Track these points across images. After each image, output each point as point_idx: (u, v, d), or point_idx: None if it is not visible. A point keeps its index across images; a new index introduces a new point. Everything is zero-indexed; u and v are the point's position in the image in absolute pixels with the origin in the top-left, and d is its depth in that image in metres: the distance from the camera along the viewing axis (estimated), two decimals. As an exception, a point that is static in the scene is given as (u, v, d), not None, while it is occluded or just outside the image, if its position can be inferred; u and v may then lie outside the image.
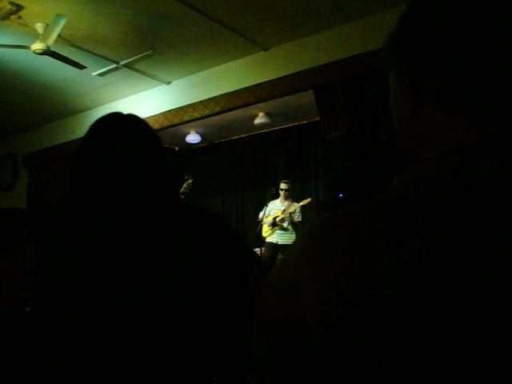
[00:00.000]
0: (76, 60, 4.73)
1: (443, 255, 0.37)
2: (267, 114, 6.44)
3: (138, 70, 5.61)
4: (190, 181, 6.41)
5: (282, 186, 6.33)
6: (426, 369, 0.36)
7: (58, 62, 4.65)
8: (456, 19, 0.48)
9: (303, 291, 0.40)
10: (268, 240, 6.26)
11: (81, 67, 4.86)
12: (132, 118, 1.24)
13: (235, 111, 5.72)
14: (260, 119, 6.47)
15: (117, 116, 1.24)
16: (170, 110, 6.06)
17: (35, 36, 4.24)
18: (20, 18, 4.14)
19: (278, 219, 6.20)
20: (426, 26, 0.51)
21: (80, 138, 1.23)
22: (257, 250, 6.19)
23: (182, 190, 6.35)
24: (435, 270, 0.37)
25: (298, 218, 6.20)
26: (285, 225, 6.18)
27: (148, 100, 6.32)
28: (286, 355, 0.41)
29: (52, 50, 4.27)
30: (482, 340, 0.35)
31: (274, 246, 6.13)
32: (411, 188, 0.44)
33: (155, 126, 5.98)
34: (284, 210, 6.19)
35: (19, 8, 4.00)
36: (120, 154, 1.16)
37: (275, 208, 6.33)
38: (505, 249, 0.37)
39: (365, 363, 0.37)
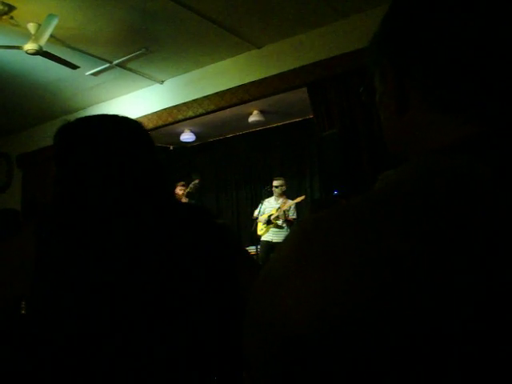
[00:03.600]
0: (69, 60, 4.71)
1: (429, 255, 0.37)
2: (261, 112, 6.44)
3: (131, 70, 5.59)
4: (196, 181, 6.35)
5: (275, 183, 6.33)
6: (408, 374, 0.35)
7: (51, 62, 4.62)
8: (440, 15, 0.48)
9: (287, 294, 0.40)
10: (263, 238, 6.25)
11: (74, 67, 4.84)
12: (116, 118, 1.24)
13: (229, 109, 5.71)
14: (254, 117, 6.47)
15: (101, 117, 1.24)
16: (163, 109, 6.05)
17: (27, 36, 4.22)
18: (12, 18, 4.11)
19: (272, 217, 6.20)
20: (409, 23, 0.50)
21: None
22: (252, 247, 6.19)
23: (187, 190, 6.32)
24: (421, 271, 0.36)
25: (292, 215, 6.20)
26: (279, 222, 6.18)
27: (142, 99, 6.30)
28: (271, 356, 0.40)
29: (44, 49, 4.25)
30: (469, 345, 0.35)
31: (270, 245, 6.13)
32: (396, 188, 0.44)
33: (149, 125, 5.97)
34: (278, 208, 6.19)
35: (11, 8, 3.98)
36: (105, 154, 1.16)
37: (270, 206, 6.33)
38: (491, 246, 0.37)
39: (348, 366, 0.36)
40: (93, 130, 1.20)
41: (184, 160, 8.33)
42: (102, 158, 1.15)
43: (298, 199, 6.22)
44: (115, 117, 1.25)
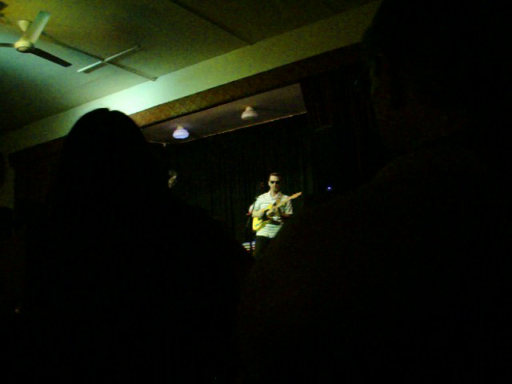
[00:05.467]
0: (60, 57, 4.69)
1: (423, 247, 0.37)
2: (254, 108, 6.43)
3: (123, 67, 5.57)
4: (174, 176, 6.36)
5: (273, 178, 6.29)
6: (407, 368, 0.35)
7: (43, 59, 4.61)
8: (435, 10, 0.48)
9: (279, 288, 0.40)
10: (259, 234, 6.24)
11: (65, 64, 4.82)
12: (115, 114, 1.24)
13: (222, 106, 5.71)
14: (247, 113, 6.46)
15: (100, 112, 1.23)
16: (156, 106, 6.04)
17: (19, 33, 4.20)
18: (2, 15, 4.09)
19: (268, 213, 6.19)
20: (404, 17, 0.50)
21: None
22: (246, 244, 6.18)
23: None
24: (415, 268, 0.36)
25: (288, 211, 6.19)
26: (275, 218, 6.17)
27: (134, 96, 6.28)
28: (266, 351, 0.40)
29: (36, 47, 4.23)
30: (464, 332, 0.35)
31: (265, 240, 6.12)
32: (392, 181, 0.44)
33: (142, 122, 5.95)
34: (274, 204, 6.18)
35: (2, 6, 3.95)
36: (104, 150, 1.15)
37: (265, 201, 6.31)
38: (483, 238, 0.37)
39: (344, 361, 0.37)
40: (93, 127, 1.20)
41: (177, 157, 8.32)
42: (102, 157, 1.15)
43: (295, 195, 6.20)
44: (114, 113, 1.24)
